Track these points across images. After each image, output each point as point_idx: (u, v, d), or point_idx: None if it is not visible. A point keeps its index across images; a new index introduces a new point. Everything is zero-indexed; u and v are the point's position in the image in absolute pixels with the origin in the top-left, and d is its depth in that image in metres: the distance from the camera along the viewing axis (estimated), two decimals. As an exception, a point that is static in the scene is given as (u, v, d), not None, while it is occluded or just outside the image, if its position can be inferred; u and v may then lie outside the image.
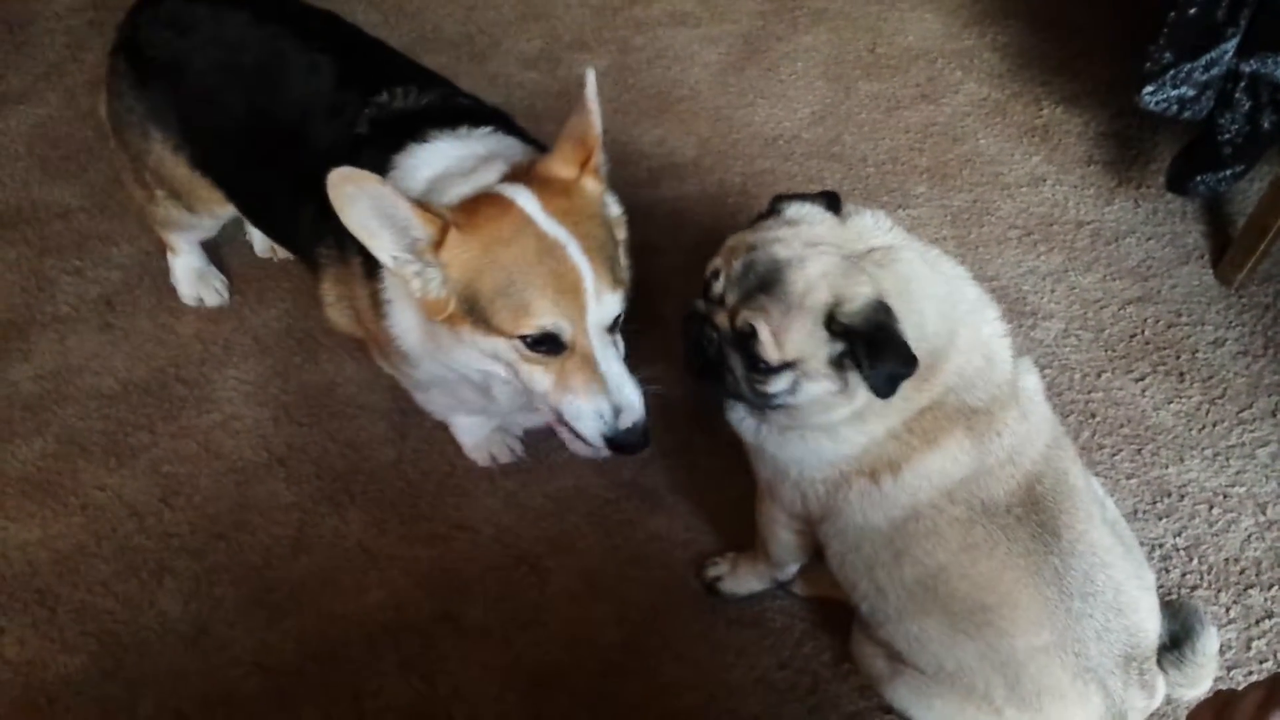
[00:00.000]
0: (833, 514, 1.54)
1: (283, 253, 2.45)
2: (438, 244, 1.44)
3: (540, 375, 1.53)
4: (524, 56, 3.06)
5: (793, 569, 1.85)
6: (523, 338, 1.47)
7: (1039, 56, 2.96)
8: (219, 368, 2.29)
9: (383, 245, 1.45)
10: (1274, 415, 2.16)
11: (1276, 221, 2.27)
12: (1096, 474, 2.06)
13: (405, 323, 1.65)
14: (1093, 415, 2.17)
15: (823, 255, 1.36)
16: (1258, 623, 1.89)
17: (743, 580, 1.90)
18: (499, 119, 1.77)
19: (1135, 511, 2.02)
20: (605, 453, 1.58)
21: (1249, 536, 1.99)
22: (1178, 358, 2.27)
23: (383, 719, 1.80)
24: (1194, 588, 1.93)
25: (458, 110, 1.74)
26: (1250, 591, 1.93)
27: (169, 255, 2.37)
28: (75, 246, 2.54)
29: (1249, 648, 1.86)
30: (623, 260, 1.61)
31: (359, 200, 1.38)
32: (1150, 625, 1.48)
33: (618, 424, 1.53)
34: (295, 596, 1.95)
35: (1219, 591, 1.93)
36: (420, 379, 1.81)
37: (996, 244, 2.49)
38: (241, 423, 2.19)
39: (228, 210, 2.08)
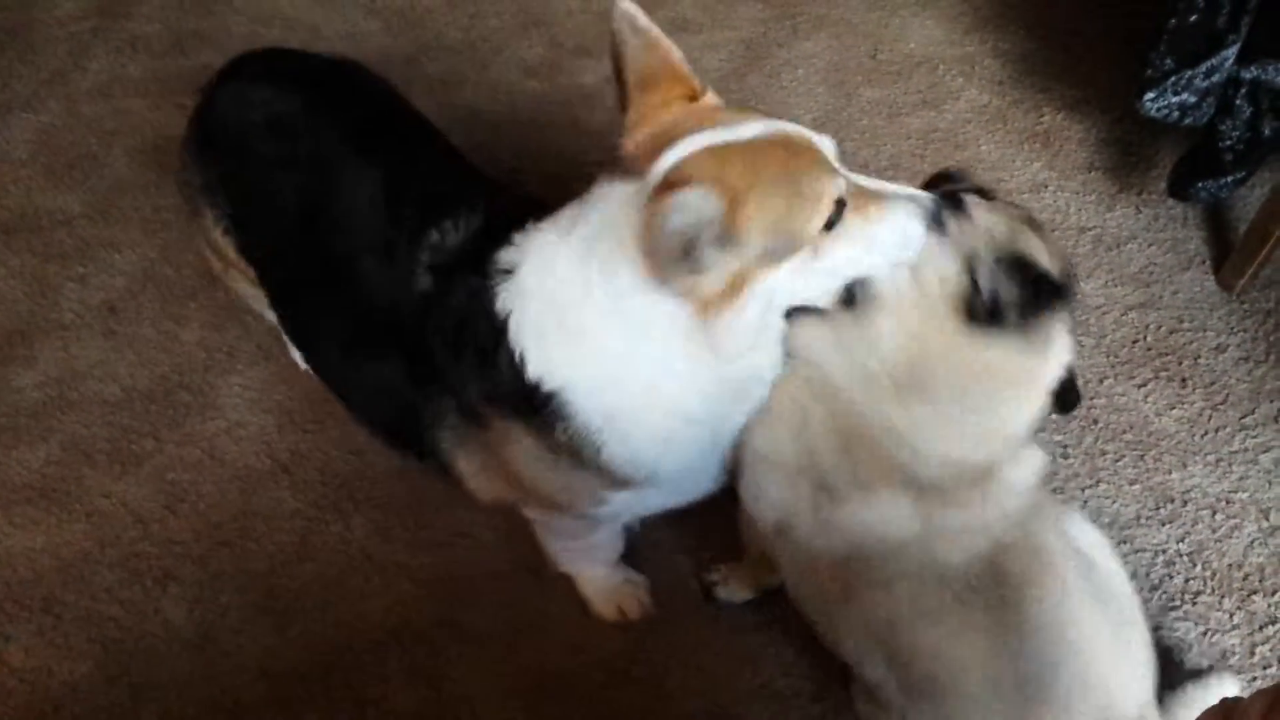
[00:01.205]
0: (785, 529, 1.47)
1: None
2: (733, 211, 1.19)
3: (845, 252, 1.30)
4: (526, 64, 3.06)
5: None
6: (827, 225, 1.26)
7: (1040, 63, 2.97)
8: (223, 374, 2.29)
9: (712, 264, 1.21)
10: (1276, 421, 2.17)
11: (1278, 228, 2.27)
12: (1099, 481, 2.07)
13: (646, 424, 1.38)
14: (1095, 422, 2.17)
15: None
16: (1261, 629, 1.89)
17: (735, 587, 1.90)
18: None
19: (1138, 518, 2.02)
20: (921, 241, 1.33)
21: (1252, 542, 2.00)
22: (1180, 364, 2.27)
23: (388, 726, 1.81)
24: (1197, 594, 1.93)
25: (518, 215, 1.49)
26: (1254, 597, 1.93)
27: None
28: (78, 253, 2.54)
29: (1253, 654, 1.86)
30: None
31: (674, 226, 1.13)
32: (1130, 693, 1.42)
33: (924, 205, 1.33)
34: (299, 603, 1.95)
35: (1222, 598, 1.93)
36: (598, 514, 1.60)
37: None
38: (246, 429, 2.20)
39: None
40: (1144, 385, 2.23)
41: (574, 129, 2.84)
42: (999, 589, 1.34)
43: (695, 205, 1.12)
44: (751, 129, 1.26)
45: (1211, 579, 1.95)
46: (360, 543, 2.02)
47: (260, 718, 1.82)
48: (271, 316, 2.05)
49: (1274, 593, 1.93)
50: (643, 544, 2.00)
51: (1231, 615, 1.91)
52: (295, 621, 1.93)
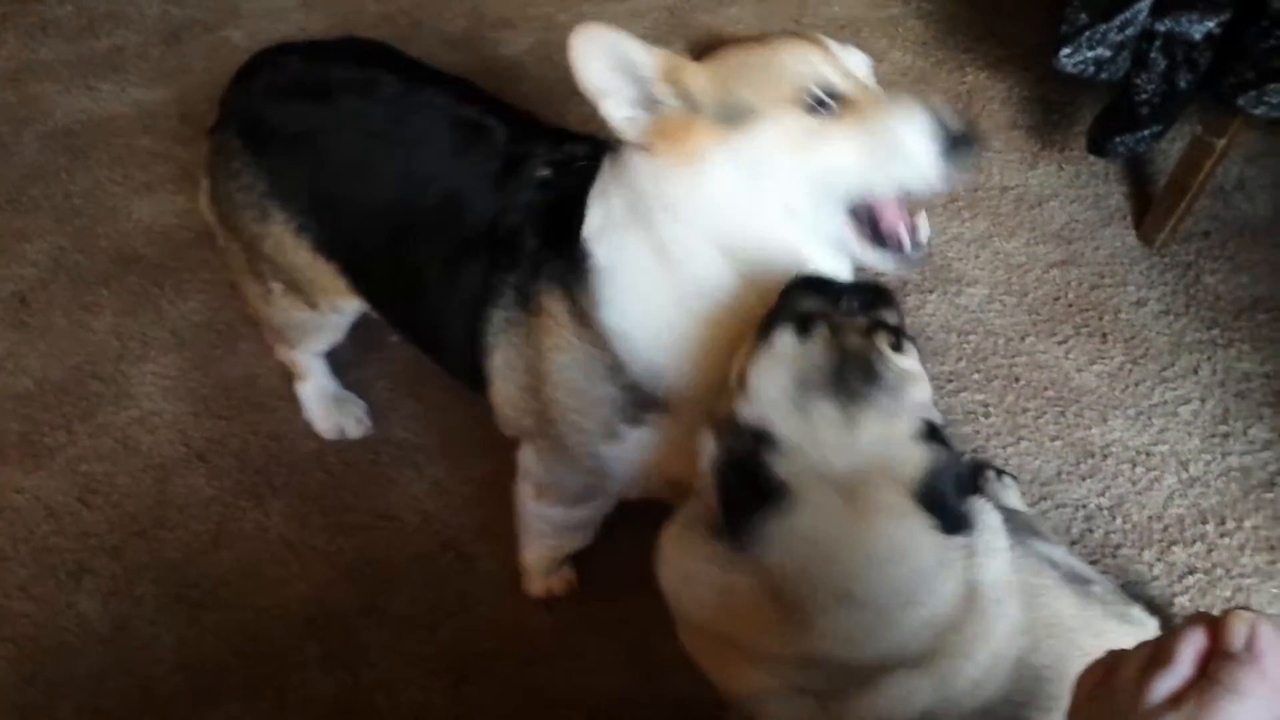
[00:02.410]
0: None
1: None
2: (675, 73, 1.30)
3: (839, 150, 1.26)
4: (448, 37, 3.02)
5: None
6: (804, 106, 1.25)
7: (963, 23, 2.96)
8: (136, 363, 2.25)
9: (619, 103, 1.30)
10: (1195, 373, 2.17)
11: (1196, 180, 2.28)
12: (1020, 438, 2.07)
13: (655, 323, 1.40)
14: (1017, 379, 2.17)
15: None
16: (1181, 579, 1.90)
17: None
18: None
19: (1059, 474, 2.03)
20: (945, 175, 1.25)
21: (1172, 494, 2.00)
22: (1100, 319, 2.27)
23: (306, 712, 1.78)
24: (1118, 547, 1.94)
25: None
26: (1174, 549, 1.94)
27: (296, 384, 2.14)
28: (-12, 245, 2.49)
29: (1173, 604, 1.87)
30: None
31: (597, 55, 1.27)
32: None
33: (941, 125, 1.23)
34: (216, 592, 1.92)
35: (1142, 550, 1.94)
36: (639, 455, 1.55)
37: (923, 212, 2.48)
38: (160, 418, 2.16)
39: (352, 304, 1.85)
40: (1065, 342, 2.23)
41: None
42: (1041, 683, 1.23)
43: (610, 46, 1.27)
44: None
45: (1132, 531, 1.96)
46: (278, 529, 1.99)
47: (178, 709, 1.79)
48: (311, 345, 2.04)
49: (1193, 543, 1.94)
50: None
51: (1151, 567, 1.92)
52: (212, 611, 1.90)
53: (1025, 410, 2.12)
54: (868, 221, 1.33)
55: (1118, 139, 2.30)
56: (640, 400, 1.45)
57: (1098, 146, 2.37)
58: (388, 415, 2.15)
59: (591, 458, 1.56)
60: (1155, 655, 0.84)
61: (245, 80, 1.77)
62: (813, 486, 1.14)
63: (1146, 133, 2.27)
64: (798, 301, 1.24)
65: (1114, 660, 0.88)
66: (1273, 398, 2.14)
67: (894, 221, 1.32)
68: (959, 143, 1.24)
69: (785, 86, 1.26)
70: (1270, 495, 2.00)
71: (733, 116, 1.28)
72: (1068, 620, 1.32)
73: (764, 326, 1.23)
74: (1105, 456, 2.05)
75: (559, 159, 1.52)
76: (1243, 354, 2.21)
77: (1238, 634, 0.82)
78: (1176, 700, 0.80)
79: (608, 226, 1.38)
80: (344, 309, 1.88)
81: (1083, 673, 0.92)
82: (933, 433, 1.17)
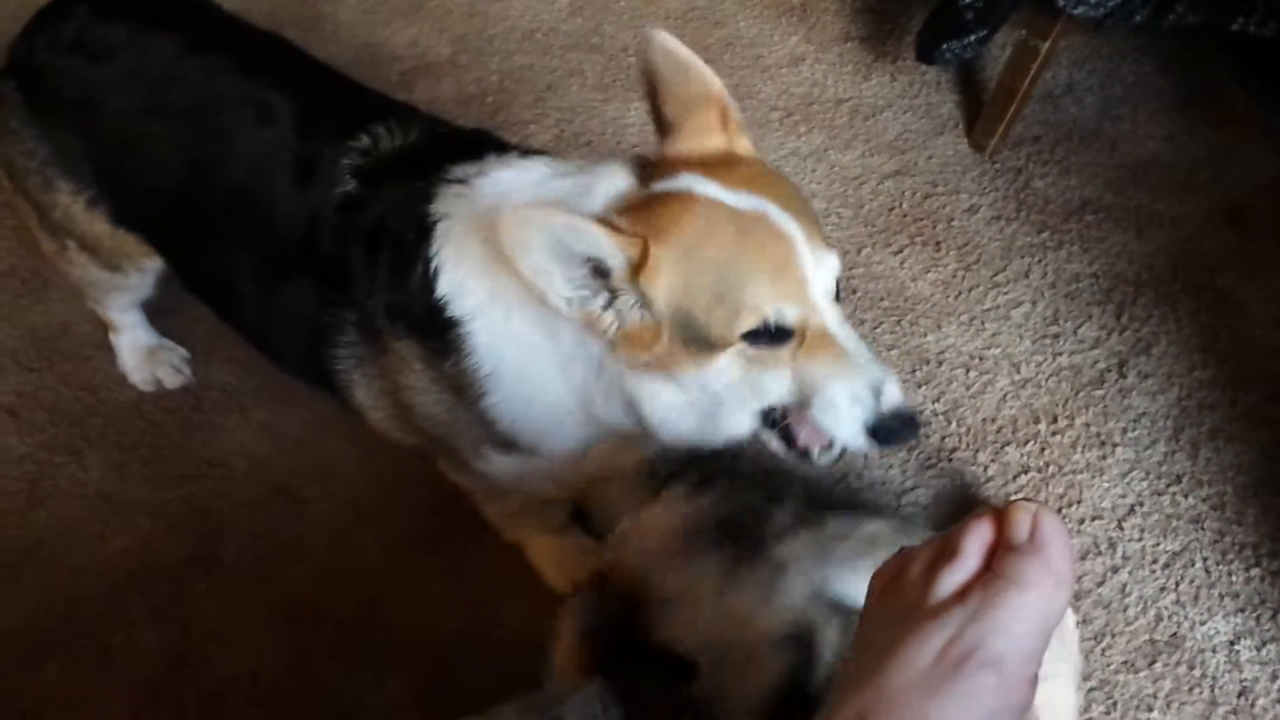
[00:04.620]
0: None
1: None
2: (639, 266, 1.14)
3: (772, 379, 1.22)
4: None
5: None
6: (746, 336, 1.18)
7: (797, -66, 2.92)
8: (-65, 318, 2.11)
9: (557, 287, 1.15)
10: (1026, 277, 2.21)
11: (1023, 85, 2.29)
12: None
13: (527, 392, 1.34)
14: (854, 291, 2.17)
15: None
16: (1015, 478, 1.94)
17: None
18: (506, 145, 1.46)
19: (896, 382, 2.04)
20: (863, 447, 1.24)
21: (1004, 396, 2.04)
22: (934, 228, 2.29)
23: (135, 669, 1.71)
24: (953, 450, 1.96)
25: (468, 140, 1.44)
26: (1007, 449, 1.97)
27: (110, 335, 2.02)
28: None
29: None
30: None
31: (537, 239, 1.10)
32: None
33: (880, 406, 1.20)
34: (33, 553, 1.82)
35: (977, 452, 1.97)
36: (522, 471, 1.52)
37: (758, 127, 2.46)
38: (-36, 374, 2.03)
39: (158, 263, 1.72)
40: (900, 251, 2.24)
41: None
42: None
43: (563, 233, 1.11)
44: (745, 200, 1.18)
45: (966, 435, 1.98)
46: (96, 483, 1.90)
47: (-5, 676, 1.71)
48: (116, 301, 1.92)
49: (1026, 443, 1.97)
50: (403, 458, 1.92)
51: (986, 468, 1.95)
52: (28, 571, 1.80)
53: (863, 321, 2.13)
54: (783, 424, 1.30)
55: (944, 45, 2.30)
56: (506, 441, 1.41)
57: (925, 54, 2.36)
58: (209, 360, 2.05)
59: (479, 470, 1.53)
60: (942, 550, 0.83)
61: (36, 27, 1.59)
62: None
63: (972, 38, 2.27)
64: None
65: (904, 558, 0.87)
66: (1101, 296, 2.18)
67: (808, 438, 1.30)
68: (891, 424, 1.21)
69: (744, 319, 1.16)
70: (1100, 392, 2.04)
71: (693, 342, 1.19)
72: None
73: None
74: (940, 363, 2.07)
75: (360, 166, 1.39)
76: (1072, 255, 2.25)
77: (1021, 525, 0.81)
78: (963, 594, 0.79)
79: (482, 305, 1.29)
80: (150, 268, 1.76)
81: (876, 572, 0.91)
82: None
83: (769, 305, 1.16)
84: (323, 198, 1.39)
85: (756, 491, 1.22)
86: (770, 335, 1.18)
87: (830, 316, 1.20)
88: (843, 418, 1.21)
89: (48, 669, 1.71)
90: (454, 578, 1.80)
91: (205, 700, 1.69)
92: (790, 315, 1.17)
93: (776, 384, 1.22)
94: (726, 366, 1.21)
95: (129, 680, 1.71)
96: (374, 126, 1.41)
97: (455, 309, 1.29)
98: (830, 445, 1.30)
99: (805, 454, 1.31)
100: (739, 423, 1.29)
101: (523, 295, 1.23)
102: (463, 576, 1.81)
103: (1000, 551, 0.80)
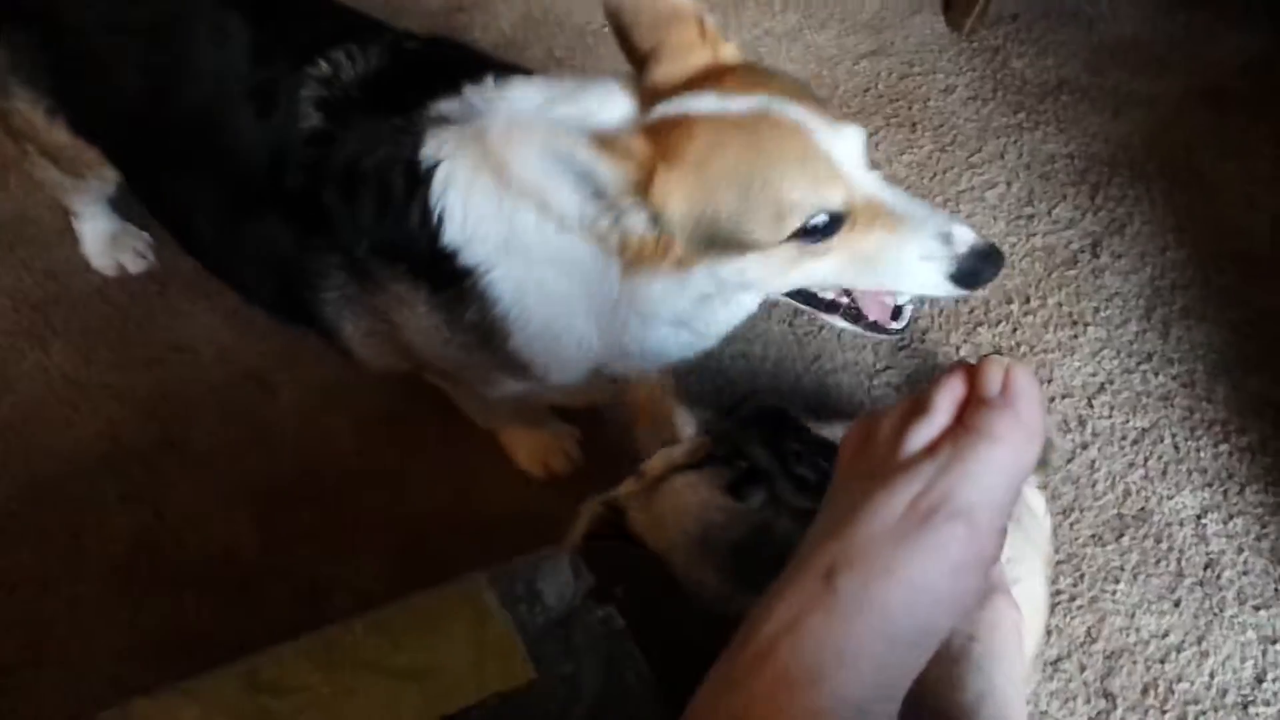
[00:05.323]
0: None
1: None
2: (645, 183, 1.10)
3: (829, 265, 1.18)
4: None
5: None
6: (795, 235, 1.13)
7: None
8: (-110, 204, 2.06)
9: (564, 203, 1.11)
10: (1002, 158, 2.18)
11: (1001, -39, 2.25)
12: (830, 230, 2.06)
13: (553, 330, 1.31)
14: (828, 173, 2.15)
15: None
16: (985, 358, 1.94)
17: None
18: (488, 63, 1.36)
19: (870, 264, 2.03)
20: (954, 294, 1.22)
21: (977, 277, 2.03)
22: (910, 108, 2.26)
23: (107, 552, 1.71)
24: (925, 331, 1.96)
25: (435, 61, 1.36)
26: (979, 329, 1.97)
27: (73, 221, 1.99)
28: None
29: (978, 384, 1.91)
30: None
31: (526, 153, 1.07)
32: None
33: (954, 250, 1.16)
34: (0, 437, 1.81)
35: (949, 333, 1.96)
36: (530, 392, 1.50)
37: (734, 7, 2.41)
38: (-78, 262, 1.99)
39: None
40: (876, 133, 2.21)
41: None
42: None
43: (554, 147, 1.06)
44: (745, 103, 1.12)
45: (939, 315, 1.98)
46: (61, 369, 1.88)
47: (-35, 561, 1.71)
48: (80, 203, 1.89)
49: (998, 323, 1.97)
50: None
51: (958, 349, 1.95)
52: (-5, 458, 1.79)
53: (836, 203, 2.10)
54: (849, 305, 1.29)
55: (923, -80, 2.25)
56: (519, 367, 1.38)
57: (904, -71, 2.31)
58: (173, 244, 2.00)
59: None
60: (913, 407, 0.83)
61: None
62: None
63: (951, -88, 2.23)
64: (750, 447, 1.17)
65: (874, 419, 0.87)
66: (1076, 177, 2.16)
67: (875, 310, 1.29)
68: (972, 265, 1.17)
69: (783, 223, 1.12)
70: (1073, 272, 2.04)
71: (719, 245, 1.15)
72: None
73: (699, 451, 1.18)
74: (914, 244, 2.06)
75: (323, 97, 1.31)
76: (1048, 135, 2.23)
77: (993, 379, 0.81)
78: (933, 448, 0.78)
79: (500, 252, 1.23)
80: (112, 176, 1.71)
81: (845, 435, 0.90)
82: None
83: (809, 201, 1.12)
84: (286, 132, 1.31)
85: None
86: (820, 230, 1.13)
87: (872, 186, 1.15)
88: (920, 278, 1.19)
89: (18, 554, 1.70)
90: (427, 458, 1.80)
91: (178, 581, 1.69)
92: (834, 201, 1.12)
93: (833, 272, 1.19)
94: (775, 264, 1.17)
95: (101, 562, 1.70)
96: (333, 51, 1.33)
97: (468, 257, 1.24)
98: (898, 313, 1.31)
99: (876, 326, 1.31)
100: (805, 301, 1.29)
101: (542, 236, 1.19)
102: (436, 456, 1.80)
103: (971, 405, 0.80)
